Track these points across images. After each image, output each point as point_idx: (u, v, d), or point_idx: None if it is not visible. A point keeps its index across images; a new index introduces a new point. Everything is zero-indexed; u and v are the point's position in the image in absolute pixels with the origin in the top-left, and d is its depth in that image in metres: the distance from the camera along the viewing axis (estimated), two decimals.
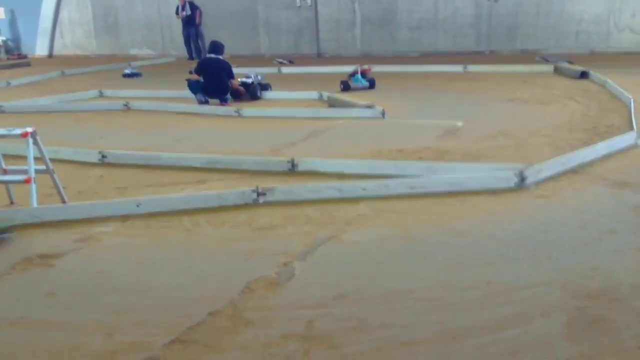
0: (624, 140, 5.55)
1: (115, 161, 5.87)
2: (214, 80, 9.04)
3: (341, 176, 5.02)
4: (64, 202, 4.64)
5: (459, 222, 4.04)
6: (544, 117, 7.11)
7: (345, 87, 9.60)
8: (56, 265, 3.65)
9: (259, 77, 9.74)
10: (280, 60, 13.94)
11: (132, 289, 3.28)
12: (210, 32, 15.92)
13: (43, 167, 4.54)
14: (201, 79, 9.13)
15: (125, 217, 4.34)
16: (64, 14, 18.90)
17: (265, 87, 9.71)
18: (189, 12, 15.78)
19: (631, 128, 5.97)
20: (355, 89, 9.55)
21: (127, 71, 13.01)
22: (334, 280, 3.28)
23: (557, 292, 3.01)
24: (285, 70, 12.67)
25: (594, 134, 6.11)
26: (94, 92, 10.53)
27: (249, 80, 9.52)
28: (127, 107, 9.09)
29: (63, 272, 3.58)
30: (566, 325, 2.71)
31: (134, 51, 17.92)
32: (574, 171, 4.88)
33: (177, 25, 16.50)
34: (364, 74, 9.84)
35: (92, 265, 3.62)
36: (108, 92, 10.56)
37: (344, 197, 4.53)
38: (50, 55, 19.18)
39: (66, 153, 6.06)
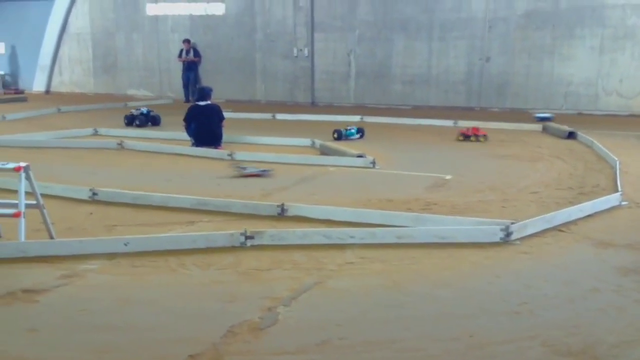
0: (609, 201, 5.65)
1: (106, 199, 5.89)
2: (208, 128, 9.04)
3: (330, 223, 5.06)
4: (51, 237, 4.64)
5: (444, 274, 4.07)
6: (532, 175, 7.22)
7: (339, 135, 9.75)
8: (40, 301, 3.62)
9: None
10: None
11: (114, 327, 3.27)
12: (208, 77, 16.20)
13: (33, 202, 4.56)
14: (187, 128, 9.07)
15: (112, 256, 4.34)
16: (64, 51, 19.19)
17: None
18: (192, 57, 16.20)
19: (616, 189, 6.08)
20: (348, 139, 9.70)
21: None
22: (317, 326, 3.28)
23: (538, 347, 3.03)
24: (280, 116, 12.85)
25: (580, 193, 6.22)
26: (88, 130, 10.62)
27: None
28: (121, 146, 9.17)
29: (46, 308, 3.55)
30: None
31: (131, 91, 18.14)
32: (559, 229, 4.95)
33: (175, 69, 16.79)
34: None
35: (75, 303, 3.60)
36: (103, 130, 10.65)
37: (332, 244, 4.56)
38: (48, 92, 19.36)
39: (57, 189, 6.09)
